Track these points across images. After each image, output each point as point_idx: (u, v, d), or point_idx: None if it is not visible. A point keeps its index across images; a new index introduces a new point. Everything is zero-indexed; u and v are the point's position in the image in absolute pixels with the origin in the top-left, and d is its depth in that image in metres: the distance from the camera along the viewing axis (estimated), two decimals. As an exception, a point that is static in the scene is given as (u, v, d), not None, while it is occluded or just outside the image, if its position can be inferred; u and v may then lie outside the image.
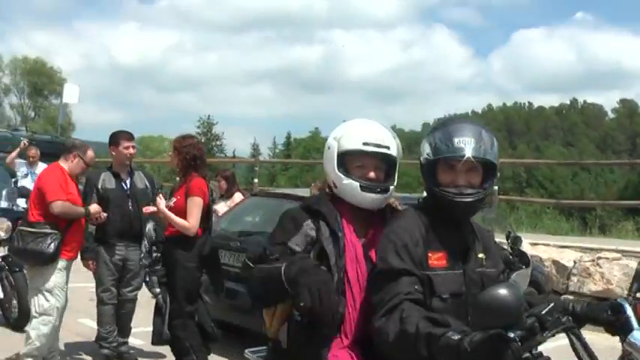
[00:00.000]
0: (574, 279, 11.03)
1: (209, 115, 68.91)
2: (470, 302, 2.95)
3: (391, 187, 3.32)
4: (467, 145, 2.99)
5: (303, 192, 10.68)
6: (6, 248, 8.26)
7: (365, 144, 3.24)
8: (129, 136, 7.46)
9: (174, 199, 6.63)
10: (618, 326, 2.83)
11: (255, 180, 19.35)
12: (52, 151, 15.03)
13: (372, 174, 3.26)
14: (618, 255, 11.11)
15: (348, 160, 3.27)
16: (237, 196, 10.40)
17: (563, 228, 18.81)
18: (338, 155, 3.29)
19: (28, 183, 12.63)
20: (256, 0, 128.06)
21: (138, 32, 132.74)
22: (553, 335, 2.63)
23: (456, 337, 2.49)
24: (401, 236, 2.96)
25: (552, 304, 2.67)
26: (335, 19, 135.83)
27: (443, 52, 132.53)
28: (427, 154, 3.08)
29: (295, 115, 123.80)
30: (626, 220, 26.24)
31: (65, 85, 23.21)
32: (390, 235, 2.99)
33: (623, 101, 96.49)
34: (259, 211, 9.12)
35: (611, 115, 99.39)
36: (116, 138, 7.37)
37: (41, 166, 13.42)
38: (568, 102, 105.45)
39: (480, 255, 3.13)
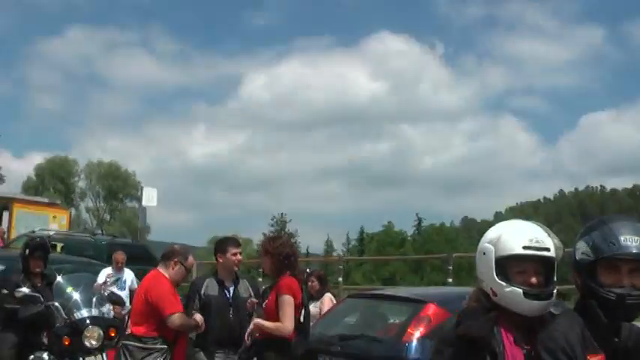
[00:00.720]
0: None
1: (282, 213, 69.44)
2: None
3: (554, 292, 3.12)
4: (634, 243, 2.84)
5: (400, 291, 10.44)
6: (97, 357, 8.08)
7: (525, 248, 3.06)
8: (237, 243, 7.35)
9: (265, 301, 6.49)
10: None
11: (340, 279, 19.02)
12: (133, 255, 15.11)
13: (533, 279, 3.07)
14: None
15: (507, 265, 3.08)
16: (327, 298, 10.13)
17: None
18: (496, 261, 3.10)
19: (115, 289, 12.54)
20: (323, 98, 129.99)
21: (208, 134, 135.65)
22: None
23: None
24: (556, 339, 2.84)
25: None
26: (402, 114, 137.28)
27: (511, 140, 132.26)
28: (586, 254, 2.92)
29: (367, 210, 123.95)
30: None
31: (144, 189, 23.49)
32: (547, 342, 2.87)
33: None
34: (357, 313, 8.83)
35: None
36: (224, 245, 7.25)
37: (127, 272, 13.38)
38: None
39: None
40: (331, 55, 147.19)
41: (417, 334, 7.04)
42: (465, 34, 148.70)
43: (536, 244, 3.08)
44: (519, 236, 3.11)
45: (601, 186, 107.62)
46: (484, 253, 3.17)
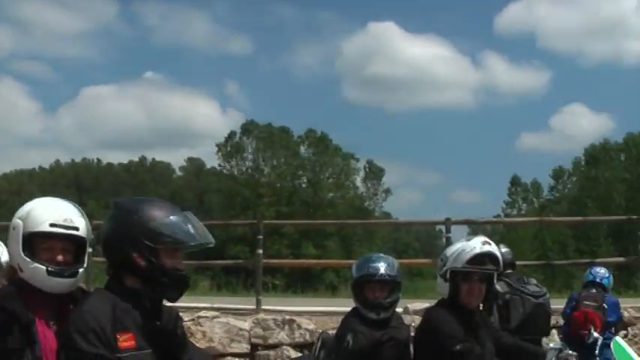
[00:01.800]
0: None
1: None
2: None
3: (80, 270, 3.17)
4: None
5: None
6: None
7: (52, 225, 3.09)
8: None
9: None
10: None
11: None
12: None
13: (60, 257, 3.11)
14: (216, 313, 11.33)
15: (34, 242, 3.10)
16: None
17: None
18: (23, 237, 3.09)
19: None
20: None
21: None
22: None
23: None
24: (87, 321, 2.83)
25: None
26: None
27: (10, 105, 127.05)
28: None
29: None
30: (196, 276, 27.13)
31: None
32: (76, 321, 2.86)
33: (190, 159, 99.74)
34: None
35: (179, 172, 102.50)
36: None
37: None
38: (137, 159, 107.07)
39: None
40: None
41: None
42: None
43: (64, 223, 3.11)
44: (48, 213, 3.12)
45: (97, 159, 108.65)
46: (14, 228, 3.14)
